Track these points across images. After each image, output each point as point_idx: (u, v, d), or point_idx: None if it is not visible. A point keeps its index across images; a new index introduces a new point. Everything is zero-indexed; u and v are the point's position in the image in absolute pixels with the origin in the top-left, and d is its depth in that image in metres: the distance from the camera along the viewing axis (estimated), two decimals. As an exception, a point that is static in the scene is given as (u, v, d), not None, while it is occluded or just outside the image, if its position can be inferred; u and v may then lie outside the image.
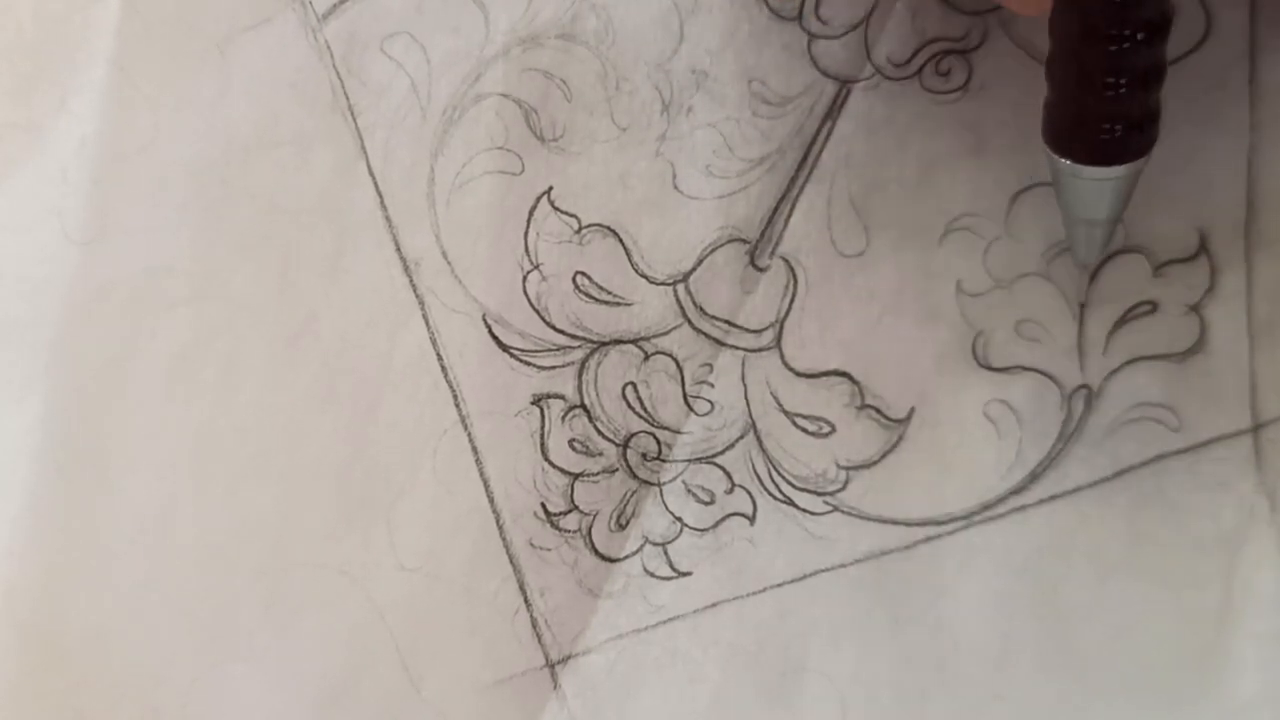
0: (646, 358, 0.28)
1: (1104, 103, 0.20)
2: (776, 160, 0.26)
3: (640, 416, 0.28)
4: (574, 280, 0.28)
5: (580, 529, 0.29)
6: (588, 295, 0.28)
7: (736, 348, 0.27)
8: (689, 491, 0.28)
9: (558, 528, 0.29)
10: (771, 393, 0.27)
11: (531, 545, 0.29)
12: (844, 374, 0.27)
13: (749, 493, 0.28)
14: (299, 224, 0.30)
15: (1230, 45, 0.23)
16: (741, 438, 0.28)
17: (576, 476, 0.29)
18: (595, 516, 0.29)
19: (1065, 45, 0.20)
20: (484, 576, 0.30)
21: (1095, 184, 0.21)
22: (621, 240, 0.28)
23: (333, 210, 0.29)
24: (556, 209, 0.28)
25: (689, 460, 0.28)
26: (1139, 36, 0.20)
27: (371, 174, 0.29)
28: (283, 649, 0.31)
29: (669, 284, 0.28)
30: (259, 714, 0.31)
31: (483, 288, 0.29)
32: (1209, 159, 0.24)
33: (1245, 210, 0.24)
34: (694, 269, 0.27)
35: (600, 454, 0.29)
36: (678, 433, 0.28)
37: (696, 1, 0.26)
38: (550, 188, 0.28)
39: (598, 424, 0.28)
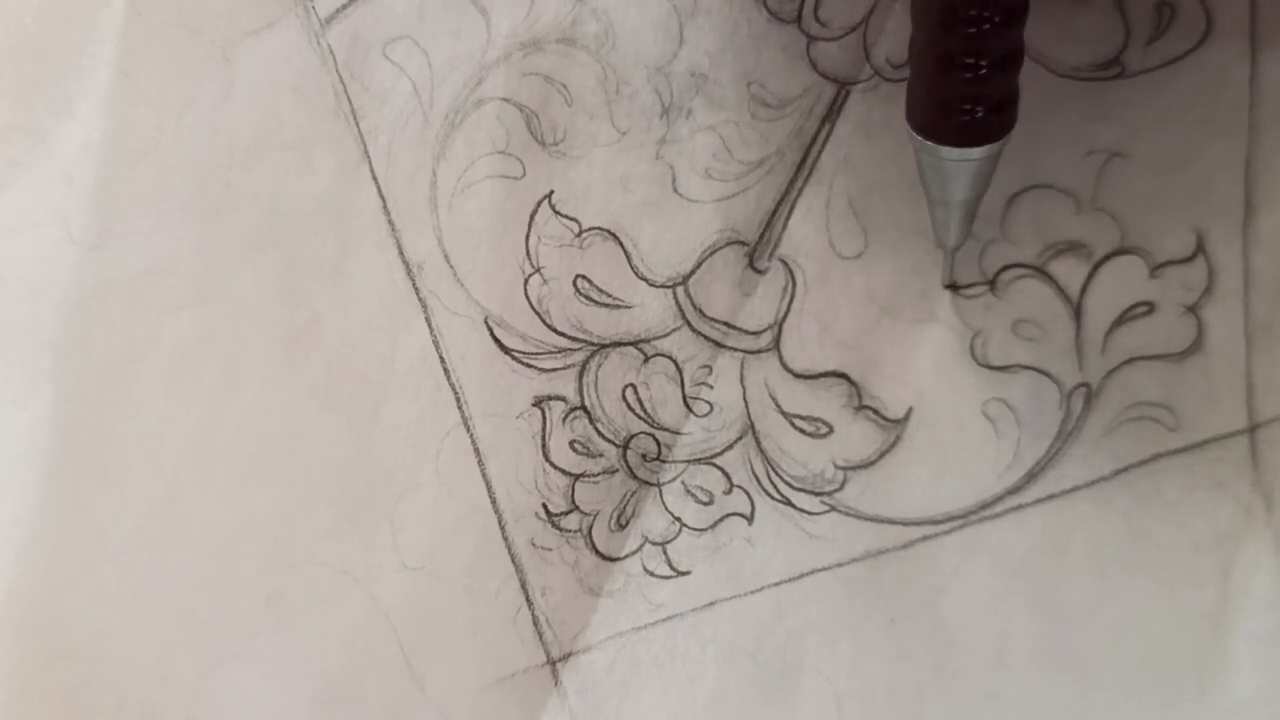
0: (646, 360, 0.28)
1: (964, 85, 0.21)
2: (775, 163, 0.26)
3: (640, 418, 0.28)
4: (575, 283, 0.28)
5: (581, 529, 0.29)
6: (588, 298, 0.28)
7: (735, 349, 0.27)
8: (688, 492, 0.28)
9: (559, 528, 0.29)
10: (770, 394, 0.27)
11: (533, 545, 0.29)
12: (842, 375, 0.27)
13: (747, 493, 0.28)
14: (302, 227, 0.30)
15: (1230, 45, 0.23)
16: (740, 439, 0.28)
17: (577, 477, 0.29)
18: (596, 516, 0.29)
19: (926, 28, 0.21)
20: (486, 576, 0.30)
21: (955, 165, 0.22)
22: (622, 243, 0.28)
23: (335, 213, 0.29)
24: (557, 212, 0.28)
25: (688, 461, 0.28)
26: (997, 19, 0.20)
27: (374, 178, 0.29)
28: (285, 648, 0.31)
29: (669, 286, 0.28)
30: (261, 712, 0.32)
31: (484, 291, 0.29)
32: (1207, 159, 0.24)
33: (1243, 211, 0.24)
34: (693, 271, 0.27)
35: (601, 455, 0.29)
36: (677, 434, 0.28)
37: (696, 5, 0.26)
38: (551, 191, 0.28)
39: (598, 425, 0.29)
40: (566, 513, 0.29)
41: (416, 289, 0.29)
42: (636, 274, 0.28)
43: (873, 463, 0.27)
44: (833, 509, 0.27)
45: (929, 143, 0.22)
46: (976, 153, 0.21)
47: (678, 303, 0.28)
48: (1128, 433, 0.25)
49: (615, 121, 0.27)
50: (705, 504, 0.28)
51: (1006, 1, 0.20)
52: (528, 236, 0.28)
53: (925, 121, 0.22)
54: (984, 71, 0.20)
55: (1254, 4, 0.23)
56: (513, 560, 0.29)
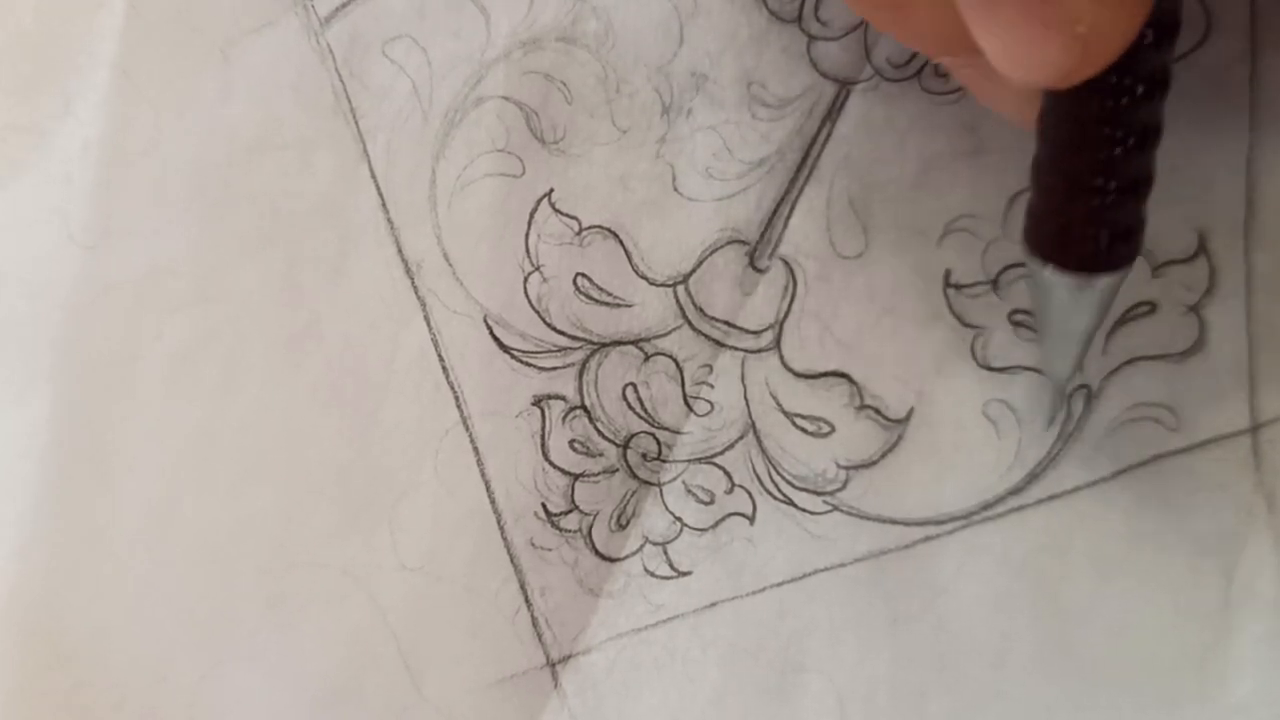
0: (647, 359, 0.28)
1: (1089, 209, 0.19)
2: (776, 162, 0.26)
3: (640, 417, 0.28)
4: (574, 282, 0.28)
5: (581, 529, 0.29)
6: (588, 297, 0.28)
7: (736, 349, 0.27)
8: (689, 491, 0.28)
9: (558, 528, 0.29)
10: (771, 393, 0.27)
11: (532, 545, 0.29)
12: (843, 374, 0.27)
13: (748, 493, 0.28)
14: (301, 226, 0.30)
15: (1230, 45, 0.23)
16: (741, 438, 0.28)
17: (577, 477, 0.29)
18: (595, 516, 0.29)
19: (1054, 146, 0.20)
20: (485, 576, 0.30)
21: (1074, 293, 0.20)
22: (622, 242, 0.28)
23: (335, 213, 0.29)
24: (557, 211, 0.28)
25: (689, 460, 0.28)
26: (1131, 141, 0.19)
27: (373, 176, 0.29)
28: (285, 648, 0.31)
29: (669, 285, 0.28)
30: (261, 713, 0.32)
31: (484, 289, 0.29)
32: (1208, 159, 0.24)
33: (1245, 210, 0.24)
34: (694, 270, 0.27)
35: (601, 454, 0.29)
36: (678, 433, 0.28)
37: (696, 4, 0.26)
38: (551, 190, 0.28)
39: (598, 425, 0.28)
40: (566, 512, 0.29)
41: (415, 288, 0.29)
42: (637, 272, 0.28)
43: (875, 462, 0.27)
44: (835, 509, 0.27)
45: (1049, 267, 0.20)
46: (1100, 281, 0.20)
47: (678, 301, 0.28)
48: (1129, 433, 0.25)
49: (615, 120, 0.27)
50: (706, 504, 0.28)
51: (1142, 122, 0.19)
52: (527, 235, 0.28)
53: (1042, 243, 0.20)
54: (1112, 196, 0.19)
55: (1254, 4, 0.23)
56: (512, 560, 0.29)
